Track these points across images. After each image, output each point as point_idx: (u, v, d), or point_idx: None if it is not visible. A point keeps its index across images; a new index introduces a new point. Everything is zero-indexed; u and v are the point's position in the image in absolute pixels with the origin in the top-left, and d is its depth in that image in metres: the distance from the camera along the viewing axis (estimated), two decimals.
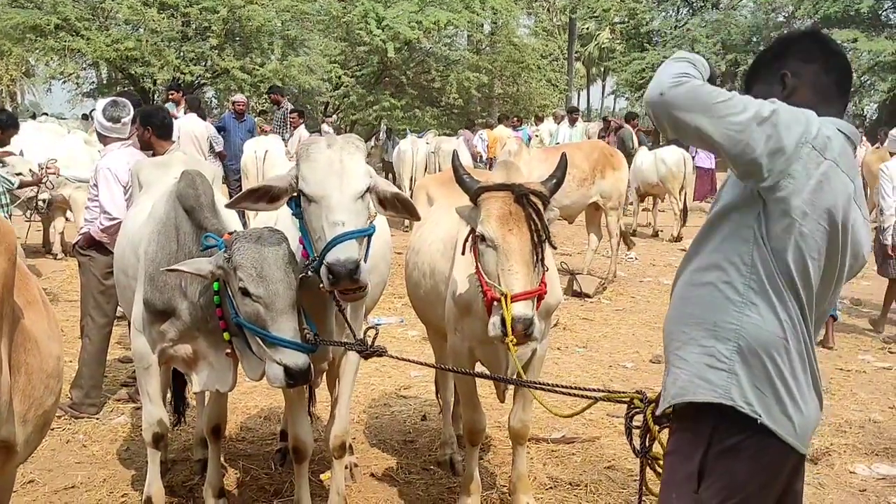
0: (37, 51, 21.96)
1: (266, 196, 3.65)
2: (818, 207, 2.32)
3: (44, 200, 10.90)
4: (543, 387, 3.47)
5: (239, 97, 15.27)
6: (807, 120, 2.32)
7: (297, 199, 3.61)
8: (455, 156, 4.01)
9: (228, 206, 3.84)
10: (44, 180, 10.00)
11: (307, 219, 3.54)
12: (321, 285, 3.49)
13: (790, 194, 2.30)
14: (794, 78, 2.56)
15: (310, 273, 3.51)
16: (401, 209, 3.81)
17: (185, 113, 12.78)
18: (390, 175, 22.02)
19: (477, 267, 3.75)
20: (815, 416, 2.48)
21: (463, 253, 3.94)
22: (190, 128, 11.90)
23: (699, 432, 2.44)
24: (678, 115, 2.31)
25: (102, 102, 6.30)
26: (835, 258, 2.40)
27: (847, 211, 2.37)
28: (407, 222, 15.21)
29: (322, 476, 4.98)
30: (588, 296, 10.34)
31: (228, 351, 3.85)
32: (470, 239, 3.82)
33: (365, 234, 3.49)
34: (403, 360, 4.18)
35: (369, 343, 3.75)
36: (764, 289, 2.37)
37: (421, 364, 4.36)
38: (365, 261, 3.59)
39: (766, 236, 2.35)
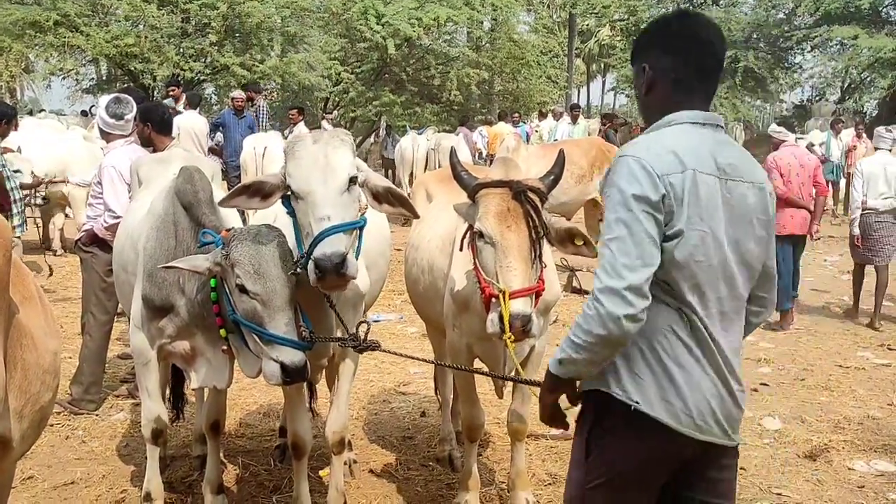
0: (36, 47, 21.92)
1: (259, 193, 3.66)
2: (694, 217, 2.41)
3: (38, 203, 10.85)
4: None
5: (238, 93, 15.25)
6: (640, 166, 2.39)
7: (290, 198, 3.61)
8: (453, 152, 4.00)
9: (221, 203, 3.83)
10: (40, 189, 9.90)
11: (297, 216, 3.55)
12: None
13: (673, 222, 2.40)
14: (653, 71, 2.61)
15: (299, 270, 3.50)
16: (396, 204, 3.81)
17: (184, 109, 12.77)
18: (390, 172, 22.01)
19: (475, 263, 3.74)
20: (716, 402, 2.49)
21: (461, 249, 3.94)
22: (189, 124, 11.88)
23: (588, 413, 2.62)
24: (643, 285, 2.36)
25: (105, 99, 6.29)
26: (724, 244, 2.47)
27: (719, 195, 2.45)
28: (404, 217, 15.19)
29: (321, 472, 4.99)
30: (587, 292, 10.31)
31: (225, 348, 3.85)
32: (468, 235, 3.82)
33: (353, 227, 3.49)
34: (397, 354, 4.18)
35: (362, 338, 3.75)
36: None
37: (415, 359, 4.38)
38: (357, 253, 3.60)
39: None
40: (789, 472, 5.23)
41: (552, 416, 2.68)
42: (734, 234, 2.50)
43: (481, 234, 3.61)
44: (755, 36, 30.81)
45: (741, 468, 5.15)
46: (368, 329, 3.76)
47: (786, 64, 32.24)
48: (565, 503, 2.74)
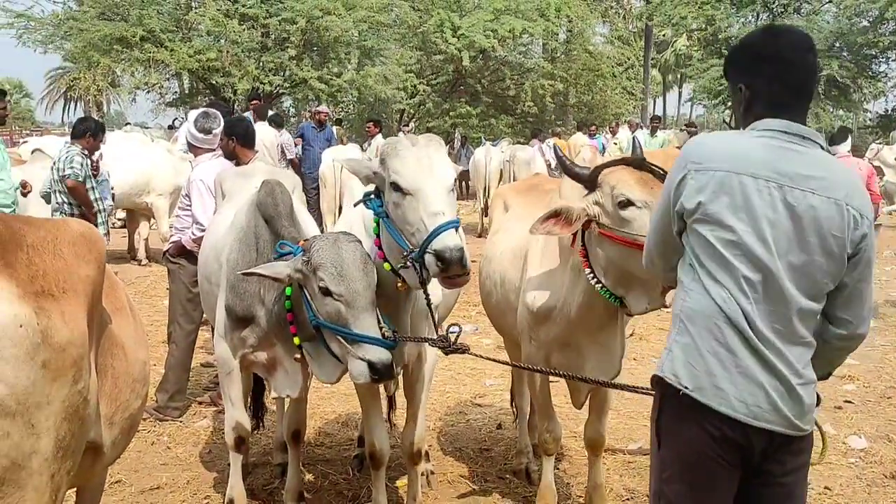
0: (123, 61, 22.53)
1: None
2: (725, 211, 2.51)
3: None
4: (627, 387, 3.48)
5: (322, 108, 15.57)
6: (683, 158, 2.63)
7: (379, 198, 3.65)
8: (555, 148, 4.05)
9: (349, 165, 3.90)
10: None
11: (400, 213, 3.53)
12: (400, 282, 3.58)
13: (687, 211, 2.59)
14: (748, 90, 2.69)
15: (409, 264, 3.49)
16: None
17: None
18: (464, 184, 22.06)
19: (588, 262, 3.74)
20: (773, 390, 2.51)
21: (573, 245, 3.91)
22: (260, 137, 12.10)
23: (655, 400, 2.74)
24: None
25: (194, 114, 6.43)
26: (770, 245, 2.50)
27: (772, 199, 2.50)
28: (480, 229, 15.25)
29: (398, 482, 5.03)
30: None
31: (298, 356, 3.91)
32: (580, 231, 3.78)
33: (458, 225, 3.52)
34: (485, 357, 4.19)
35: (451, 341, 3.74)
36: (696, 275, 2.60)
37: (502, 363, 4.45)
38: None
39: (688, 236, 2.63)
40: (876, 493, 5.09)
41: None
42: (792, 240, 2.51)
43: (630, 202, 3.56)
44: (838, 45, 30.10)
45: (826, 487, 5.06)
46: (459, 332, 3.77)
47: (870, 73, 31.44)
48: (650, 496, 2.82)
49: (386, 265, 3.69)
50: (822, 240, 2.51)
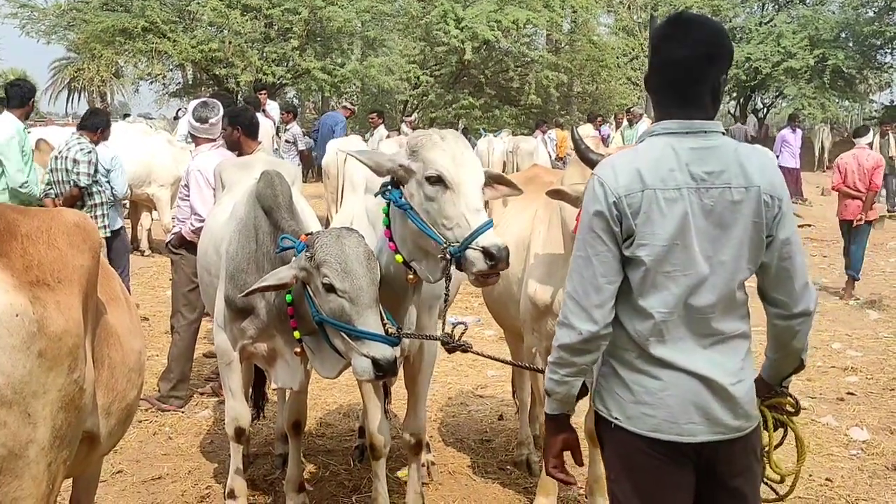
0: (126, 53, 22.57)
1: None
2: (659, 233, 2.44)
3: None
4: None
5: (347, 104, 15.82)
6: (601, 185, 2.47)
7: (398, 189, 3.58)
8: (574, 130, 4.05)
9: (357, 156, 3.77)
10: None
11: (436, 206, 3.46)
12: (412, 274, 3.61)
13: (635, 241, 2.46)
14: (650, 73, 2.62)
15: (448, 256, 3.42)
16: (498, 190, 3.86)
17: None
18: None
19: None
20: (703, 401, 2.47)
21: (575, 231, 3.90)
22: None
23: (599, 432, 2.69)
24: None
25: (194, 103, 6.42)
26: (696, 253, 2.46)
27: (694, 206, 2.45)
28: None
29: (399, 473, 5.02)
30: None
31: (298, 350, 3.90)
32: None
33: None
34: (487, 356, 4.16)
35: (455, 338, 3.71)
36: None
37: (505, 362, 4.46)
38: None
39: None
40: (877, 485, 5.08)
41: (557, 466, 2.69)
42: (715, 238, 2.47)
43: None
44: (844, 35, 30.02)
45: (827, 479, 5.05)
46: (465, 329, 3.75)
47: (875, 63, 31.35)
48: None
49: (398, 257, 3.65)
50: (745, 230, 2.47)
